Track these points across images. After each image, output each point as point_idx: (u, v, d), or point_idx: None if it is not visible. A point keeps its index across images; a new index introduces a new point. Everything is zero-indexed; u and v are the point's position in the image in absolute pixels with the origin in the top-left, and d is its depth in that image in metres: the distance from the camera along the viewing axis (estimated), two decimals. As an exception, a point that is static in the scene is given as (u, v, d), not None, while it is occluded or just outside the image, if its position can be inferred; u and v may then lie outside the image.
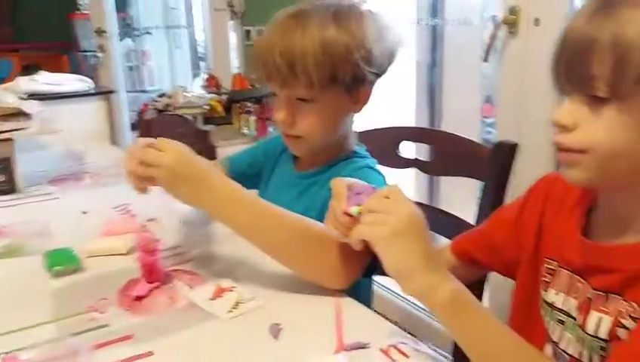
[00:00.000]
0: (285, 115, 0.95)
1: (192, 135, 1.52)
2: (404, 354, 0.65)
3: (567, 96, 0.59)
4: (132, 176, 0.84)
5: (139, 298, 0.81)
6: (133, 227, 1.02)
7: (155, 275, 0.85)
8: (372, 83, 0.96)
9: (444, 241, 1.10)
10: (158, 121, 1.74)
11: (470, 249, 0.82)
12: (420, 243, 0.61)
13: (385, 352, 0.66)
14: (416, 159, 1.19)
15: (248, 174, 1.14)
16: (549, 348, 0.70)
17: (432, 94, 2.49)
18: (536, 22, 1.36)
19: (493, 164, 1.02)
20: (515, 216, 0.77)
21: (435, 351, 0.65)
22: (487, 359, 0.57)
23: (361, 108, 0.98)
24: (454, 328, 0.59)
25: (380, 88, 0.98)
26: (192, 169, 0.81)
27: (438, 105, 2.47)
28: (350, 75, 0.90)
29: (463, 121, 2.35)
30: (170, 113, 1.99)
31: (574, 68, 0.57)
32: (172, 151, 0.81)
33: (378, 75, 0.96)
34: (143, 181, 0.83)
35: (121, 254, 0.97)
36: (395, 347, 0.66)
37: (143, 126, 1.86)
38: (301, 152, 1.03)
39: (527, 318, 0.73)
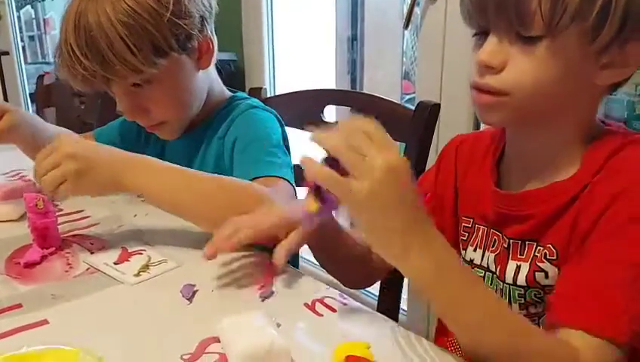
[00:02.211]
0: (129, 108, 0.84)
1: (93, 95, 1.40)
2: (330, 308, 0.61)
3: (493, 35, 0.56)
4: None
5: (29, 264, 0.72)
6: (26, 191, 0.91)
7: (49, 240, 0.76)
8: (205, 28, 0.85)
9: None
10: (57, 85, 1.59)
11: None
12: (396, 203, 0.49)
13: (310, 307, 0.62)
14: (337, 122, 1.15)
15: (119, 146, 1.05)
16: None
17: (353, 69, 2.48)
18: (456, -13, 1.36)
19: (415, 124, 1.01)
20: (432, 185, 0.75)
21: (363, 304, 0.61)
22: (468, 329, 0.51)
23: (210, 60, 0.88)
24: (434, 298, 0.51)
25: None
26: (91, 155, 0.71)
27: (358, 81, 2.47)
28: (173, 37, 0.79)
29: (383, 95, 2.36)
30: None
31: (508, 3, 0.53)
32: (63, 155, 0.70)
33: (205, 18, 0.85)
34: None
35: (11, 221, 0.86)
36: (320, 301, 0.62)
37: (42, 91, 1.70)
38: (172, 135, 0.93)
39: None
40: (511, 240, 0.62)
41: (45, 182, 0.70)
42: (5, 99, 2.89)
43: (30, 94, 3.19)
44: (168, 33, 0.79)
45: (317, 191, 0.54)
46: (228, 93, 0.97)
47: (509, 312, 0.53)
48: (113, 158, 0.72)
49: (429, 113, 0.99)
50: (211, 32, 0.87)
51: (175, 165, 0.75)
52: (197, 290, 0.65)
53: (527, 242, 0.61)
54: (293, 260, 0.96)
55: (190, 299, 0.64)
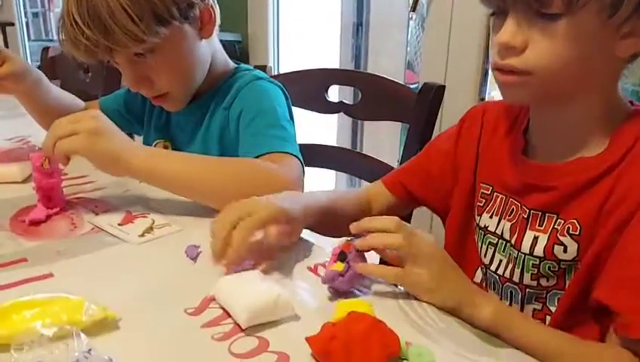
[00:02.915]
0: (133, 79, 0.85)
1: (98, 67, 1.40)
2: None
3: (512, 15, 0.56)
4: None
5: (34, 222, 0.73)
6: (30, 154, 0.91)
7: (54, 200, 0.77)
8: None
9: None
10: (62, 57, 1.59)
11: (406, 181, 0.79)
12: (454, 276, 0.59)
13: (312, 270, 0.63)
14: (341, 102, 1.16)
15: (124, 115, 1.06)
16: (479, 273, 0.70)
17: (357, 55, 2.47)
18: (465, -27, 1.36)
19: (419, 106, 1.01)
20: (452, 146, 0.75)
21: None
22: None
23: (212, 29, 0.88)
24: (504, 340, 0.55)
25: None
26: (112, 127, 0.74)
27: (362, 67, 2.47)
28: (174, 6, 0.80)
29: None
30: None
31: None
32: (87, 116, 0.74)
33: None
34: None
35: (15, 182, 0.87)
36: (323, 266, 0.63)
37: (47, 63, 1.69)
38: (177, 106, 0.93)
39: (460, 245, 0.73)
40: (531, 211, 0.63)
41: (59, 125, 0.71)
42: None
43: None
44: (170, 2, 0.79)
45: (342, 255, 0.58)
46: (232, 64, 0.97)
47: (575, 342, 0.55)
48: (129, 140, 0.76)
49: (434, 95, 0.99)
50: (213, 1, 0.88)
51: (179, 152, 0.77)
52: (201, 251, 0.66)
53: (547, 214, 0.61)
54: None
55: (195, 259, 0.65)
